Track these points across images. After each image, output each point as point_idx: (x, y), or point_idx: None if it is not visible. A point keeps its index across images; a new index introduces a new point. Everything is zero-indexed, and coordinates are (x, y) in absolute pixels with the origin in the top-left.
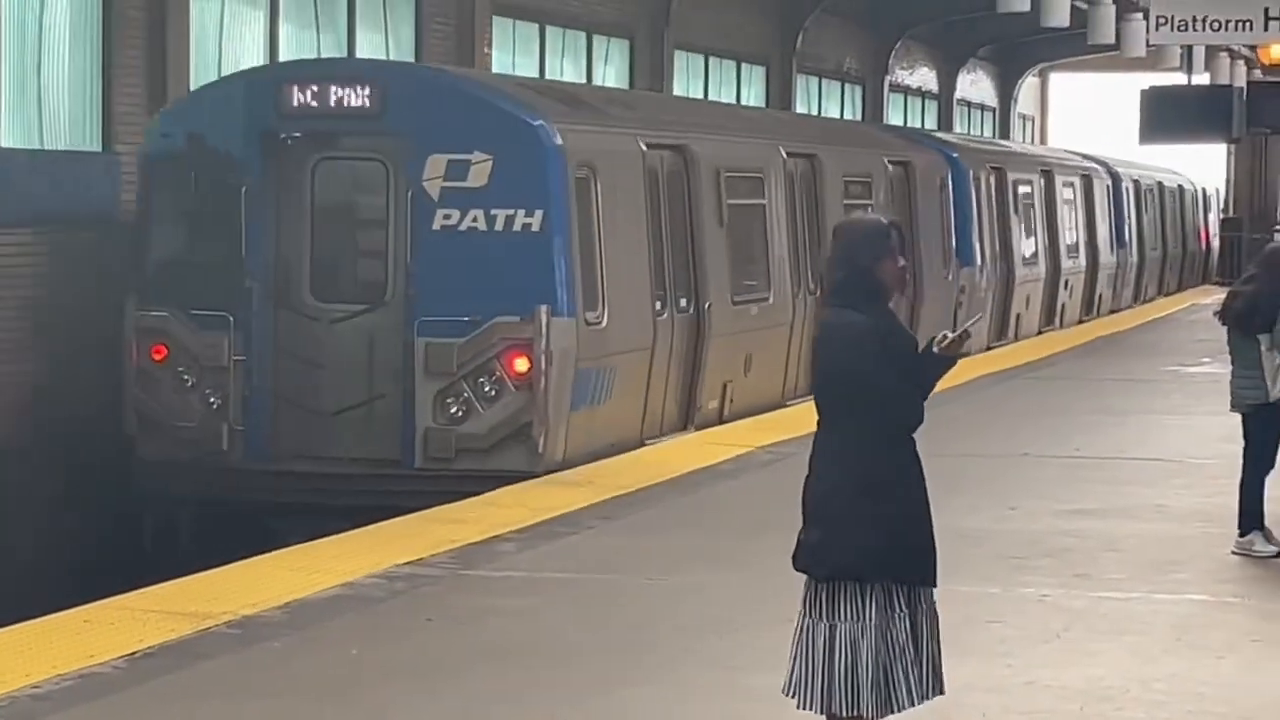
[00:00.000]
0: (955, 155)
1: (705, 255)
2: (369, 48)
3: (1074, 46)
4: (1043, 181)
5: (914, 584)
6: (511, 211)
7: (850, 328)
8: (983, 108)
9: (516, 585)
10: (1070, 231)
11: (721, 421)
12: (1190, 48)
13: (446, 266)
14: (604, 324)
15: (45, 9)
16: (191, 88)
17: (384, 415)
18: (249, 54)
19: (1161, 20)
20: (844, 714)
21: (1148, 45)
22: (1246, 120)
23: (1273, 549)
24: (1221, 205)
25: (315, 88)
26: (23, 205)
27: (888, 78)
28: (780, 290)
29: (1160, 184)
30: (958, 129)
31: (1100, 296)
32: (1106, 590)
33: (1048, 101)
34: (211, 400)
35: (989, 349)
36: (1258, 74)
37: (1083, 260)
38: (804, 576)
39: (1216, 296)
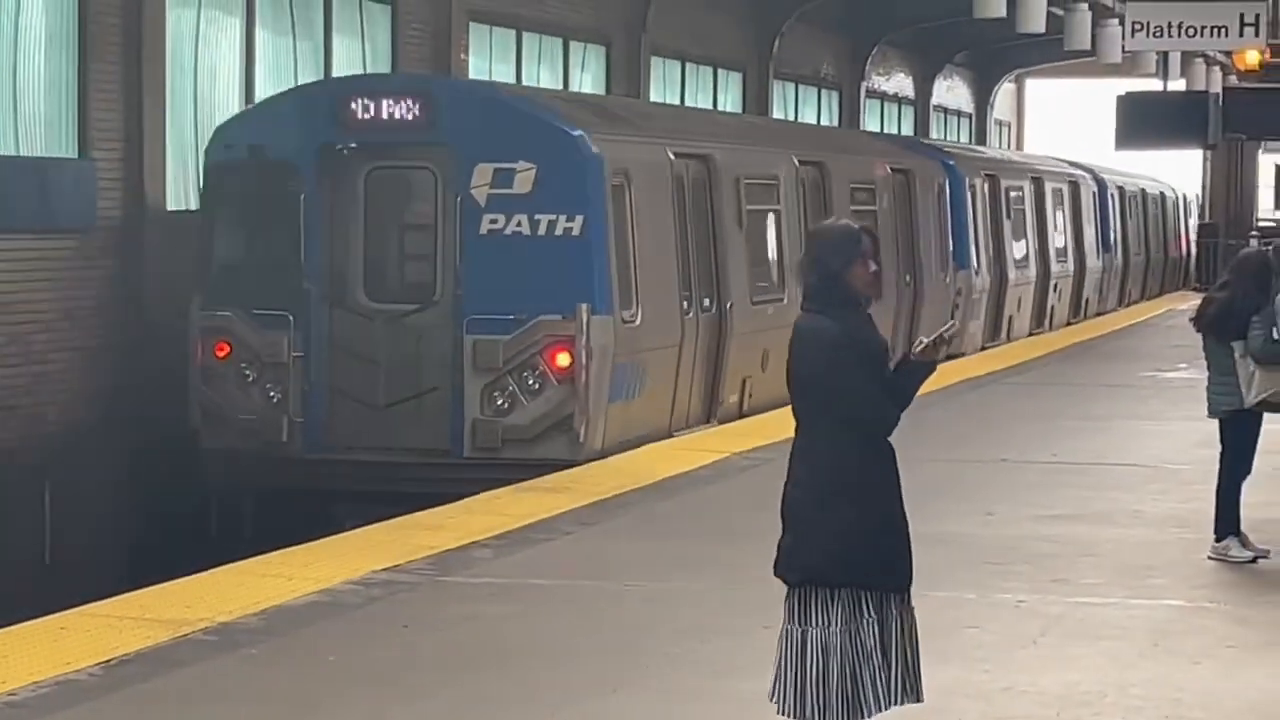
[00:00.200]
0: (952, 163)
1: (727, 258)
2: (345, 54)
3: (1050, 52)
4: (1033, 188)
5: (883, 590)
6: (553, 216)
7: (822, 332)
8: (959, 114)
9: (494, 592)
10: (1059, 237)
11: (741, 415)
12: (1166, 54)
13: (492, 268)
14: (638, 322)
15: (21, 14)
16: (168, 95)
17: (434, 407)
18: (225, 61)
19: (1137, 26)
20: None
21: (1123, 51)
22: (1222, 126)
23: (1248, 554)
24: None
25: (369, 102)
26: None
27: (864, 84)
28: (793, 291)
29: (1143, 190)
30: (934, 135)
31: (1087, 300)
32: (1084, 595)
33: (1024, 107)
34: (272, 394)
35: (984, 349)
36: (1233, 80)
37: (1071, 265)
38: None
39: (1192, 302)
